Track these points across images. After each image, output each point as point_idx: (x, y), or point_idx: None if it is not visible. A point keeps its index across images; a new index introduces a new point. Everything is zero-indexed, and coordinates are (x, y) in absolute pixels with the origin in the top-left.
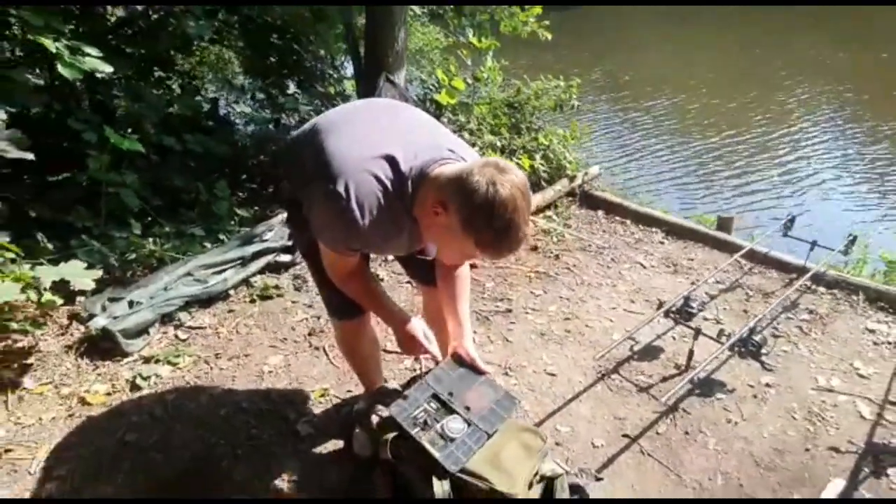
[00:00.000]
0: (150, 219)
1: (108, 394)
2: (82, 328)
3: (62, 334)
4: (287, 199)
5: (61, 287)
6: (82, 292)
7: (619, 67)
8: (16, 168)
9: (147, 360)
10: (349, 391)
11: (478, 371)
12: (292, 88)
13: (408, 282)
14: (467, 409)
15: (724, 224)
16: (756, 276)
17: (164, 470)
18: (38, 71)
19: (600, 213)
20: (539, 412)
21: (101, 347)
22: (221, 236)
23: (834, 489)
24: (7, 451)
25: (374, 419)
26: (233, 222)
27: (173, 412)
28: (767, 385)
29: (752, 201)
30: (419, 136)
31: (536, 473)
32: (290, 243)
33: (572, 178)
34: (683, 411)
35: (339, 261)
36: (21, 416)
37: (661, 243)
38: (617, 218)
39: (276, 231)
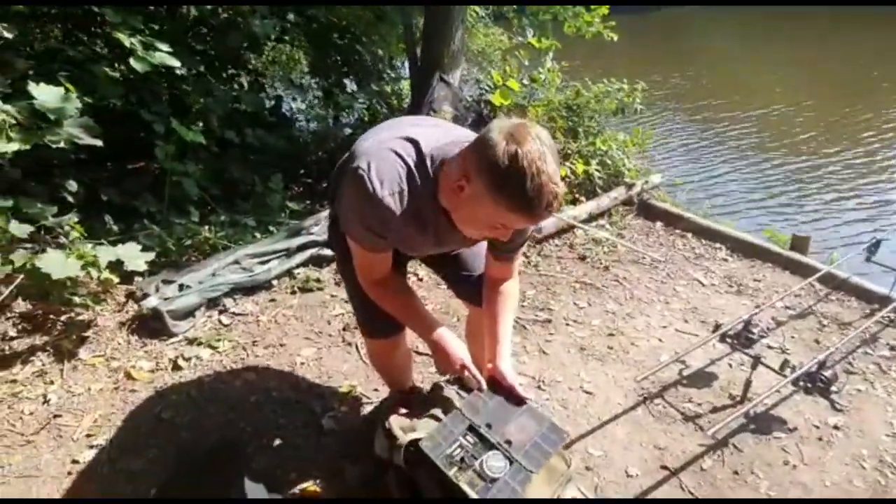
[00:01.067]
0: (208, 208)
1: (152, 371)
2: (136, 307)
3: (118, 311)
4: (331, 216)
5: (120, 267)
6: (140, 272)
7: (700, 73)
8: (94, 155)
9: (191, 342)
10: (376, 389)
11: (516, 398)
12: (350, 87)
13: (440, 285)
14: (508, 443)
15: (798, 244)
16: (832, 303)
17: (192, 449)
18: (115, 65)
19: (658, 224)
20: (571, 432)
21: (150, 327)
22: (271, 228)
23: None
24: (56, 416)
25: (393, 421)
26: (283, 215)
27: (208, 394)
28: (835, 427)
29: (834, 222)
30: (443, 128)
31: (557, 499)
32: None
33: (630, 186)
34: (734, 447)
35: (369, 261)
36: (73, 384)
37: (725, 260)
38: (676, 231)
39: (322, 225)
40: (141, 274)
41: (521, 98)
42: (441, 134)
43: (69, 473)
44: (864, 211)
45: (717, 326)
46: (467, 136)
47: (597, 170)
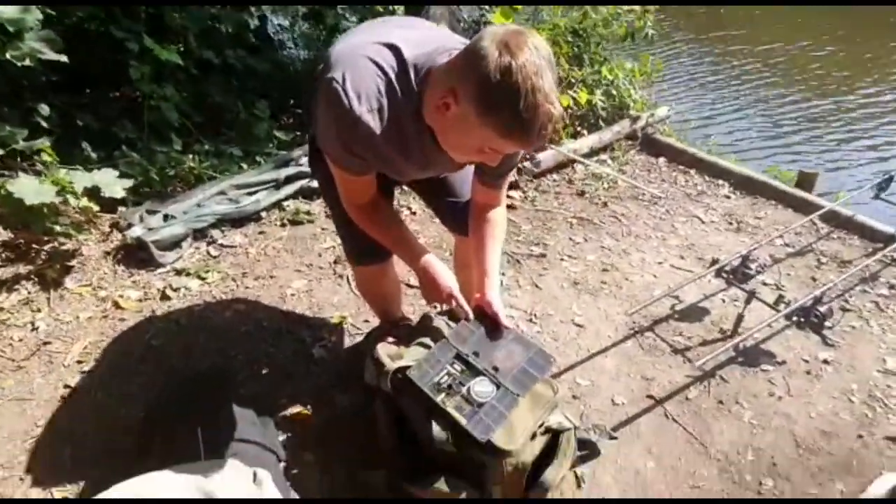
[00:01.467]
0: (191, 136)
1: (140, 300)
2: (120, 237)
3: (103, 241)
4: (310, 136)
5: (104, 197)
6: (124, 203)
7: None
8: (69, 80)
9: (178, 273)
10: (366, 321)
11: (499, 326)
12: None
13: (434, 219)
14: (495, 369)
15: (805, 181)
16: (834, 241)
17: (183, 374)
18: None
19: (661, 160)
20: (560, 363)
21: (136, 257)
22: (258, 158)
23: (883, 485)
24: (46, 343)
25: (381, 349)
26: (271, 145)
27: (198, 324)
28: (825, 361)
29: (845, 163)
30: (429, 30)
31: (542, 425)
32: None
33: (635, 119)
34: (721, 379)
35: (351, 184)
36: (60, 313)
37: (727, 197)
38: (680, 167)
39: None
40: (123, 203)
41: (525, 20)
42: (429, 38)
43: (62, 397)
44: (879, 152)
45: (714, 261)
46: (459, 43)
47: (601, 100)
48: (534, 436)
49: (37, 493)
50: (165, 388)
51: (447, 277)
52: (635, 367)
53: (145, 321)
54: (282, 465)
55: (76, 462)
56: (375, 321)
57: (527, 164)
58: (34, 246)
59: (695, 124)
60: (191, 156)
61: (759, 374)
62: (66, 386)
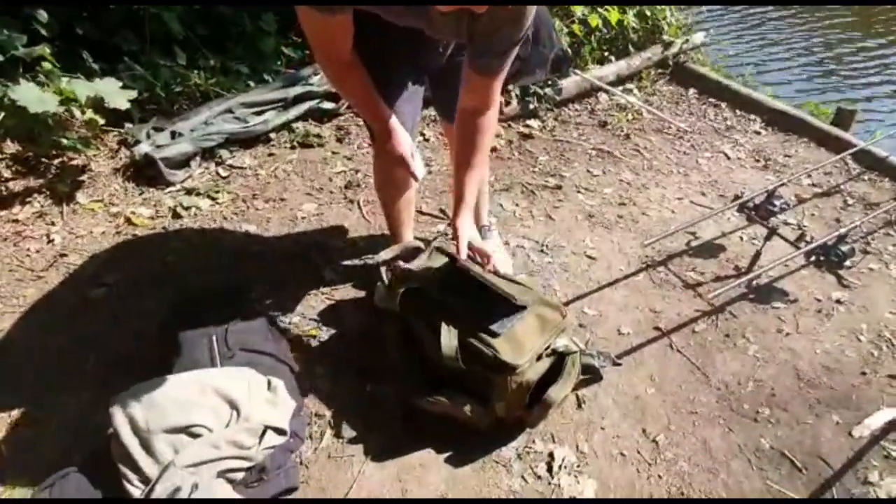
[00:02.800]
0: (196, 52)
1: (152, 218)
2: (129, 154)
3: (111, 157)
4: None
5: (110, 112)
6: (130, 119)
7: None
8: None
9: (188, 192)
10: (377, 245)
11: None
12: None
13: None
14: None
15: (842, 118)
16: (863, 183)
17: (197, 290)
18: None
19: (691, 91)
20: (568, 293)
21: (146, 174)
22: (266, 76)
23: (881, 417)
24: (62, 255)
25: (389, 272)
26: (279, 62)
27: (210, 243)
28: (838, 301)
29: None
30: None
31: (548, 347)
32: (334, 90)
33: (668, 45)
34: (730, 314)
35: (320, 29)
36: (74, 227)
37: (757, 133)
38: (710, 100)
39: (322, 75)
40: (130, 119)
41: None
42: None
43: (81, 309)
44: None
45: (737, 197)
46: None
47: (633, 22)
48: (540, 357)
49: (66, 397)
50: (181, 301)
51: (405, 141)
52: (644, 299)
53: (158, 239)
54: (294, 377)
55: (99, 369)
56: (386, 245)
57: (548, 90)
58: (44, 160)
59: (732, 52)
60: (196, 71)
61: (770, 311)
62: (85, 298)
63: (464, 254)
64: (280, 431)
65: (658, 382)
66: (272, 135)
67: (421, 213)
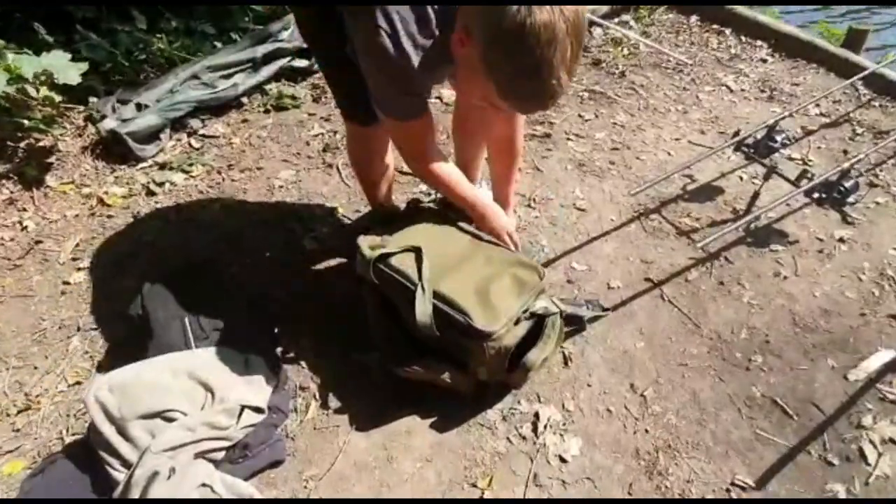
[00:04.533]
0: (156, 14)
1: (125, 197)
2: (95, 130)
3: (79, 136)
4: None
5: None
6: (96, 94)
7: None
8: None
9: (161, 167)
10: (357, 210)
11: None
12: None
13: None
14: None
15: (854, 39)
16: (874, 109)
17: (175, 268)
18: None
19: (693, 19)
20: (556, 248)
21: (116, 151)
22: (234, 35)
23: (879, 359)
24: (38, 241)
25: (362, 240)
26: (246, 19)
27: (187, 218)
28: (840, 240)
29: None
30: None
31: (526, 310)
32: (305, 45)
33: None
34: (725, 260)
35: (412, 131)
36: (47, 212)
37: (763, 61)
38: (713, 26)
39: (292, 30)
40: (95, 94)
41: None
42: None
43: (62, 293)
44: None
45: (736, 134)
46: None
47: None
48: (518, 321)
49: (51, 381)
50: (157, 280)
51: (504, 219)
52: (636, 250)
53: (133, 218)
54: (278, 350)
55: (84, 351)
56: (366, 210)
57: None
58: (9, 143)
59: None
60: (158, 35)
61: (767, 255)
62: (65, 282)
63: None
64: (258, 410)
65: (647, 335)
66: (244, 99)
67: (402, 172)
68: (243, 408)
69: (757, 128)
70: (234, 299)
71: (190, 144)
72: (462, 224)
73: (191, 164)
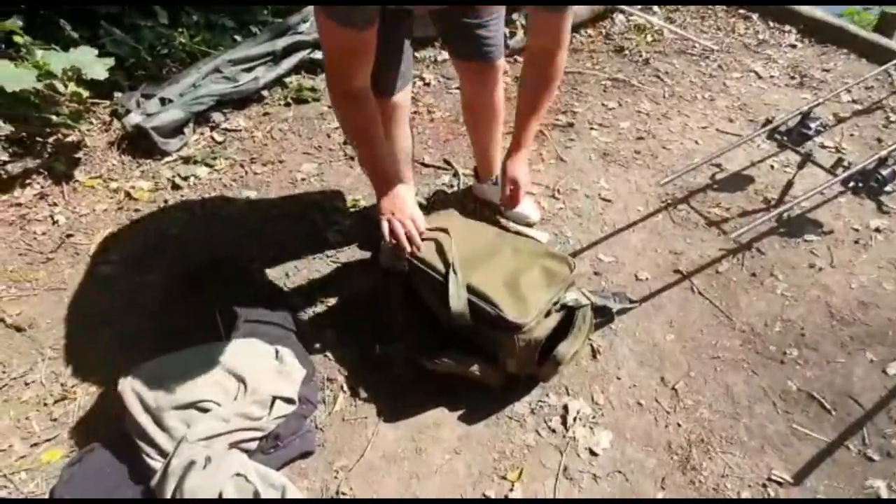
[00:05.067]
0: (178, 9)
1: (152, 191)
2: (121, 125)
3: (105, 131)
4: None
5: (98, 83)
6: (120, 88)
7: None
8: None
9: (186, 161)
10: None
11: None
12: None
13: (456, 88)
14: None
15: (886, 23)
16: None
17: (201, 262)
18: None
19: (719, 6)
20: (582, 239)
21: (141, 146)
22: (253, 28)
23: None
24: (69, 235)
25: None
26: (266, 11)
27: (211, 212)
28: (877, 230)
29: None
30: None
31: (557, 302)
32: None
33: None
34: (757, 251)
35: (339, 42)
36: (76, 206)
37: (792, 47)
38: (740, 11)
39: (311, 22)
40: (119, 88)
41: None
42: None
43: (93, 286)
44: None
45: (768, 121)
46: None
47: None
48: (549, 313)
49: (85, 371)
50: (183, 275)
51: (409, 214)
52: (664, 241)
53: (160, 211)
54: (303, 343)
55: (114, 343)
56: None
57: None
58: (38, 139)
59: None
60: (180, 30)
61: (801, 245)
62: (94, 275)
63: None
64: (289, 401)
65: (678, 328)
66: (265, 92)
67: (423, 164)
68: (275, 399)
69: (790, 115)
70: (260, 292)
71: (213, 138)
72: (488, 216)
73: (214, 158)
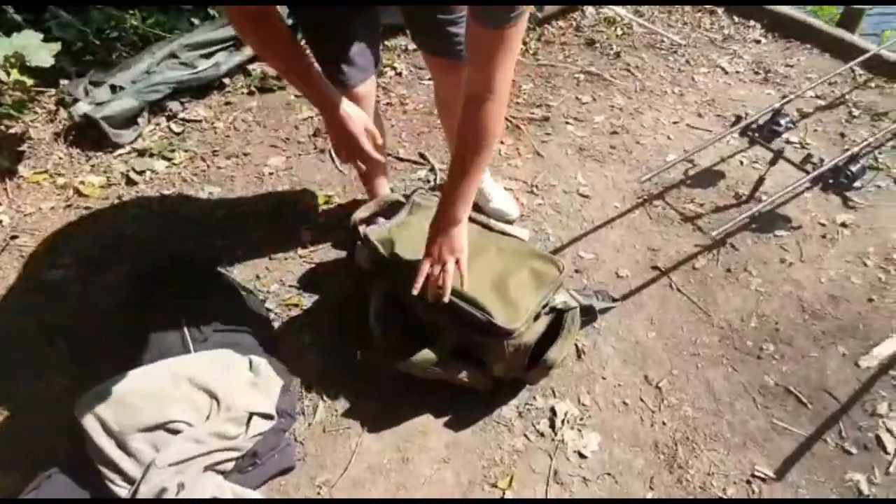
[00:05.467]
0: None
1: (103, 187)
2: (68, 115)
3: (51, 121)
4: None
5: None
6: (66, 75)
7: None
8: None
9: (141, 154)
10: (355, 200)
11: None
12: None
13: (430, 79)
14: None
15: (849, 18)
16: (870, 91)
17: (163, 263)
18: None
19: None
20: (562, 236)
21: (90, 137)
22: (212, 10)
23: (890, 346)
24: (13, 237)
25: (371, 233)
26: None
27: (171, 209)
28: (843, 225)
29: None
30: None
31: (546, 305)
32: (290, 21)
33: None
34: (731, 247)
35: None
36: (21, 204)
37: (757, 42)
38: (706, 6)
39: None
40: (66, 75)
41: None
42: None
43: (42, 292)
44: None
45: (738, 119)
46: None
47: None
48: (537, 316)
49: (38, 388)
50: (143, 277)
51: (362, 123)
52: (642, 237)
53: (114, 209)
54: (279, 351)
55: (70, 355)
56: (364, 199)
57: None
58: None
59: None
60: (131, 12)
61: (772, 241)
62: (44, 280)
63: (417, 287)
64: (267, 416)
65: (658, 325)
66: (226, 80)
67: (398, 158)
68: (251, 415)
69: (762, 112)
70: (229, 297)
71: (170, 129)
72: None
73: (172, 151)
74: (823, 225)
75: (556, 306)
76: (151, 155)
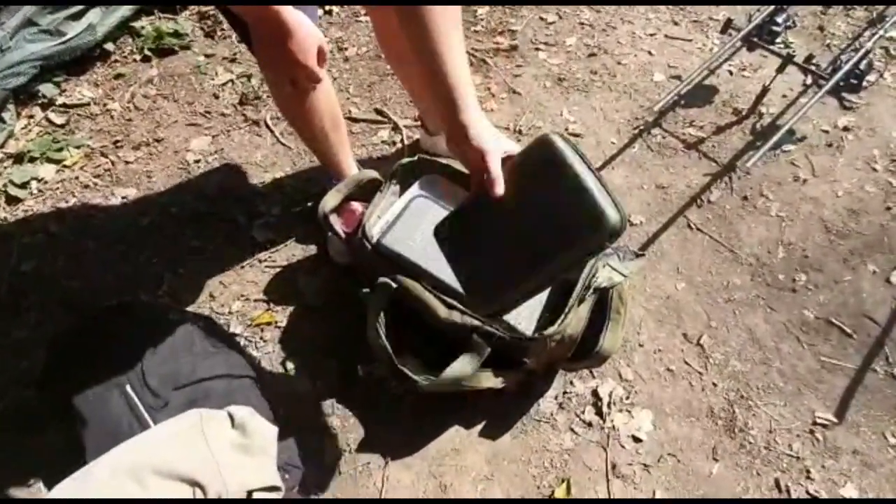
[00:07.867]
0: None
1: None
2: None
3: None
4: None
5: None
6: None
7: None
8: None
9: (18, 160)
10: (309, 180)
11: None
12: None
13: (365, 16)
14: None
15: None
16: None
17: (87, 300)
18: None
19: None
20: None
21: None
22: None
23: None
24: None
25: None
26: None
27: (76, 227)
28: (845, 129)
29: None
30: None
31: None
32: None
33: None
34: (742, 171)
35: None
36: None
37: None
38: None
39: None
40: None
41: None
42: None
43: None
44: None
45: (729, 22)
46: None
47: None
48: (582, 299)
49: None
50: (62, 335)
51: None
52: (647, 175)
53: None
54: (261, 390)
55: None
56: (322, 177)
57: None
58: None
59: None
60: None
61: (781, 157)
62: None
63: (499, 188)
64: (272, 489)
65: (686, 274)
66: (108, 45)
67: (352, 119)
68: (251, 493)
69: (762, 13)
70: (185, 333)
71: (49, 121)
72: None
73: (60, 150)
74: (826, 132)
75: (599, 286)
76: (32, 160)
